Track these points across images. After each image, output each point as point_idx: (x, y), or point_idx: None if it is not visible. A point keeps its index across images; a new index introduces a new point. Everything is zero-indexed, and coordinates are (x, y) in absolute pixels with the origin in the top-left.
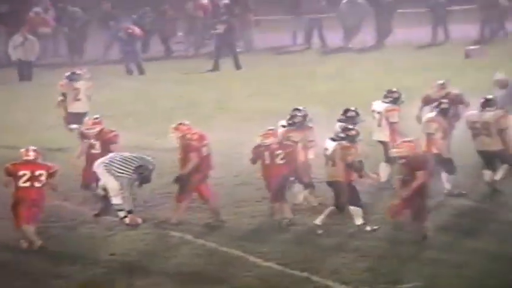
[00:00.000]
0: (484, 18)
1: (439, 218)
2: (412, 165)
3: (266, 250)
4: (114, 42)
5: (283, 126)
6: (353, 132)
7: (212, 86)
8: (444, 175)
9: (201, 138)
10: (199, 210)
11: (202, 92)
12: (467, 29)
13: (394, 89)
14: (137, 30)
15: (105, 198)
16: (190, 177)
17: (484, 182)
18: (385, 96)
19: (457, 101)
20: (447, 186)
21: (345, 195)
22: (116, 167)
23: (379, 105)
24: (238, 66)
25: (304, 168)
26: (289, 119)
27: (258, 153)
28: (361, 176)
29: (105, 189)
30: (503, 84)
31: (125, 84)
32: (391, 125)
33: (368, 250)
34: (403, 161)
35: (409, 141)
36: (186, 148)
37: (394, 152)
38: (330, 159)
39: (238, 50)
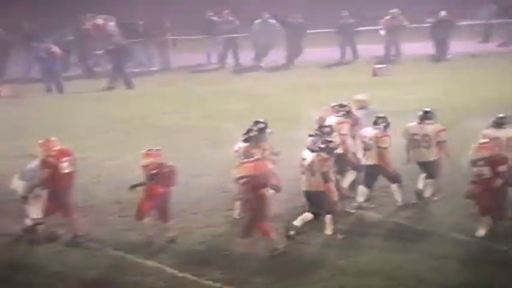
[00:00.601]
0: (389, 39)
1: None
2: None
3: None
4: (35, 61)
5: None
6: (333, 145)
7: (131, 103)
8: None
9: (61, 154)
10: None
11: (121, 109)
12: (374, 48)
13: (345, 103)
14: (57, 50)
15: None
16: (54, 192)
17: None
18: (337, 111)
19: (355, 123)
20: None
21: (325, 203)
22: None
23: (331, 119)
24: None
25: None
26: (245, 133)
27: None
28: (331, 186)
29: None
30: (362, 105)
31: (46, 101)
32: (341, 136)
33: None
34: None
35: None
36: (43, 164)
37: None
38: (309, 169)
39: (154, 68)
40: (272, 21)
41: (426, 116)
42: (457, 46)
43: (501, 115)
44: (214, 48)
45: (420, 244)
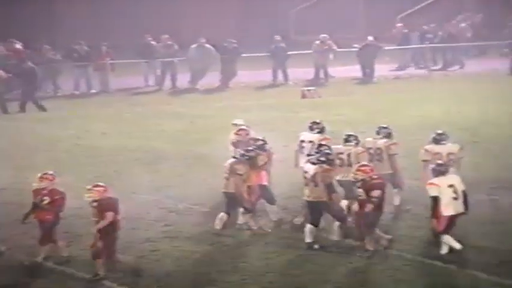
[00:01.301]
0: (318, 63)
1: None
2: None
3: None
4: None
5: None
6: (332, 157)
7: (70, 124)
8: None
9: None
10: None
11: (60, 130)
12: (304, 71)
13: (318, 121)
14: (1, 73)
15: None
16: None
17: None
18: (312, 128)
19: (260, 147)
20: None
21: (330, 212)
22: None
23: (309, 136)
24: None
25: (249, 193)
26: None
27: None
28: (332, 197)
29: None
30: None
31: None
32: None
33: None
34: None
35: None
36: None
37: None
38: (312, 181)
39: (92, 91)
40: (208, 45)
41: (381, 132)
42: (381, 70)
43: (439, 131)
44: (153, 71)
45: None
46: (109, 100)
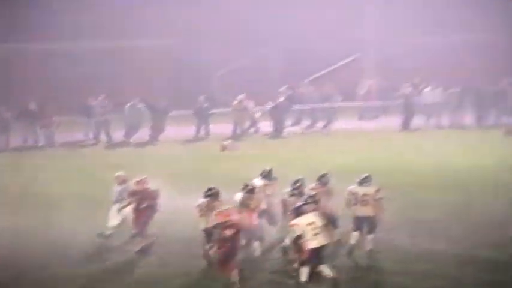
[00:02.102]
0: (236, 119)
1: None
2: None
3: None
4: None
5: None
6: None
7: (20, 173)
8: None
9: None
10: None
11: (9, 179)
12: (225, 127)
13: (268, 168)
14: None
15: None
16: None
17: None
18: (265, 176)
19: (152, 195)
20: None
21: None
22: None
23: (258, 181)
24: None
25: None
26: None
27: None
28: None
29: None
30: (121, 181)
31: None
32: (267, 197)
33: None
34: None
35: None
36: None
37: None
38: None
39: (40, 144)
40: (140, 104)
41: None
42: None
43: (365, 175)
44: (92, 127)
45: None
46: (54, 153)
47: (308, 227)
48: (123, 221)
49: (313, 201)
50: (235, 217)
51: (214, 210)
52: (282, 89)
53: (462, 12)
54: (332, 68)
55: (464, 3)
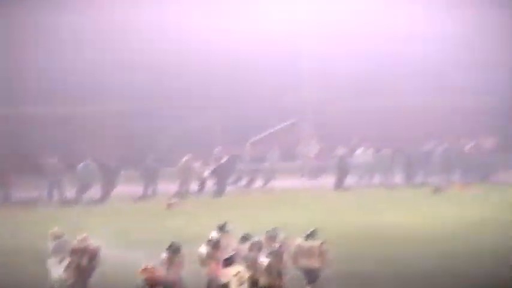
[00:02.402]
0: (183, 178)
1: None
2: None
3: None
4: None
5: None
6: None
7: None
8: None
9: None
10: None
11: None
12: (171, 185)
13: (221, 223)
14: None
15: None
16: None
17: None
18: (221, 229)
19: (93, 252)
20: None
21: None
22: None
23: (215, 234)
24: None
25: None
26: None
27: None
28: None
29: None
30: (55, 236)
31: None
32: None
33: None
34: None
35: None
36: None
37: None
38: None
39: None
40: (92, 164)
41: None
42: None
43: (311, 229)
44: (46, 185)
45: None
46: (10, 210)
47: (234, 278)
48: (64, 276)
49: (243, 255)
50: (160, 275)
51: (175, 264)
52: (217, 149)
53: (393, 79)
54: (272, 130)
55: (393, 71)
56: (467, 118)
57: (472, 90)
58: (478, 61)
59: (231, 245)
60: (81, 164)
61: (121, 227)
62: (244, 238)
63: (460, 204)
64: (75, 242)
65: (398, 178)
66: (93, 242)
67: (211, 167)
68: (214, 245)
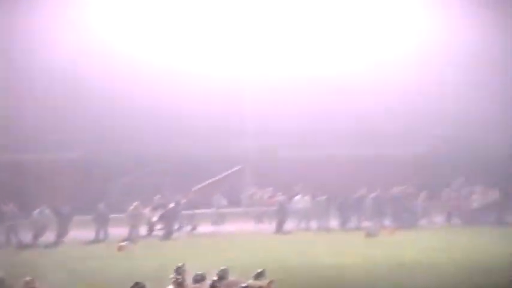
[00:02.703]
0: (132, 223)
1: None
2: None
3: None
4: None
5: None
6: None
7: None
8: None
9: None
10: None
11: None
12: (122, 230)
13: (180, 264)
14: None
15: None
16: None
17: None
18: (176, 270)
19: None
20: None
21: None
22: None
23: (172, 275)
24: None
25: None
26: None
27: None
28: None
29: None
30: None
31: None
32: None
33: None
34: None
35: None
36: None
37: None
38: None
39: None
40: (47, 210)
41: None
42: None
43: (259, 270)
44: (2, 230)
45: None
46: None
47: None
48: None
49: None
50: None
51: None
52: (156, 197)
53: (331, 130)
54: (218, 177)
55: (330, 123)
56: (397, 166)
57: (402, 140)
58: (409, 109)
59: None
60: (37, 210)
61: (75, 269)
62: (198, 278)
63: (390, 248)
64: (21, 285)
65: (333, 223)
66: (38, 286)
67: (159, 213)
68: (179, 284)
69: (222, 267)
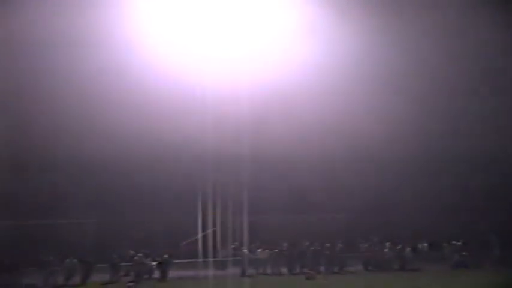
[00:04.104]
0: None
1: None
2: None
3: None
4: None
5: None
6: None
7: None
8: None
9: None
10: None
11: None
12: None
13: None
14: None
15: None
16: None
17: None
18: None
19: None
20: None
21: None
22: None
23: None
24: None
25: None
26: None
27: None
28: None
29: None
30: None
31: None
32: None
33: None
34: None
35: None
36: None
37: None
38: None
39: None
40: (74, 260)
41: None
42: None
43: None
44: (43, 274)
45: None
46: None
47: None
48: None
49: None
50: None
51: None
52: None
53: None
54: (201, 235)
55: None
56: (328, 227)
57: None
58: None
59: None
60: (67, 260)
61: None
62: None
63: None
64: None
65: (284, 269)
66: None
67: (157, 261)
68: None
69: None
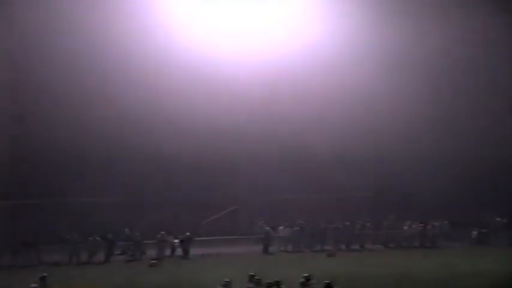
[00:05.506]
0: (158, 246)
1: None
2: None
3: None
4: None
5: None
6: None
7: None
8: None
9: None
10: None
11: None
12: (150, 252)
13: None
14: None
15: None
16: None
17: None
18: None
19: None
20: None
21: None
22: None
23: None
24: None
25: None
26: None
27: None
28: None
29: None
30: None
31: None
32: None
33: None
34: None
35: None
36: None
37: None
38: None
39: None
40: (98, 238)
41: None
42: None
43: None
44: (67, 251)
45: None
46: (39, 270)
47: None
48: None
49: None
50: None
51: None
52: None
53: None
54: (217, 215)
55: None
56: (349, 206)
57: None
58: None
59: None
60: (91, 238)
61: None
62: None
63: (346, 265)
64: None
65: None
66: None
67: (179, 239)
68: None
69: (225, 279)
